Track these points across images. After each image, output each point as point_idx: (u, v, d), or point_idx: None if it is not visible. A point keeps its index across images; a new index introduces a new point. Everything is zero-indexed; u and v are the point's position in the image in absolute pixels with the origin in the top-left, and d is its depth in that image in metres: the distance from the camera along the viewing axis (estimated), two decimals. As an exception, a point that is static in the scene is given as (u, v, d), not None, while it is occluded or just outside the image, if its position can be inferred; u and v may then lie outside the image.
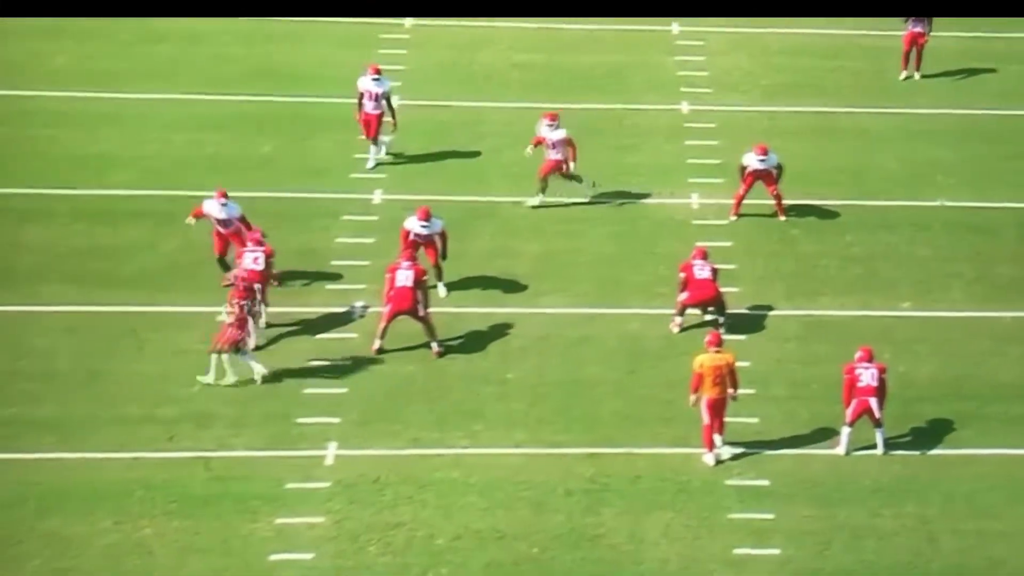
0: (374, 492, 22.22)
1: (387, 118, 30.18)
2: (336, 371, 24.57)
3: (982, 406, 24.38)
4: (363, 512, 21.87)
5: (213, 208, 26.06)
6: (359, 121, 30.14)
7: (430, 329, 25.18)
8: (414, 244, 25.97)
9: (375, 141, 30.19)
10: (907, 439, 23.54)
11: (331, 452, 22.95)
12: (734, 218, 28.90)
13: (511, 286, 27.04)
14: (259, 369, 24.21)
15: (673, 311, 25.99)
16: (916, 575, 21.10)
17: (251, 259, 25.14)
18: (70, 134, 31.23)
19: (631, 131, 32.32)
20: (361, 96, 30.04)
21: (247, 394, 23.98)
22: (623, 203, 29.49)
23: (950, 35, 35.86)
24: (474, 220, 28.77)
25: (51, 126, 31.48)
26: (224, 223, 26.12)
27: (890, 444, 23.11)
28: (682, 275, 25.98)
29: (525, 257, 27.90)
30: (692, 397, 22.77)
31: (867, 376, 23.11)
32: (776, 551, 21.42)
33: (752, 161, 28.68)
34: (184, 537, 21.22)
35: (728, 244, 28.24)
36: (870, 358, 23.24)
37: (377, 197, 29.37)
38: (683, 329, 25.91)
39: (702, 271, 25.91)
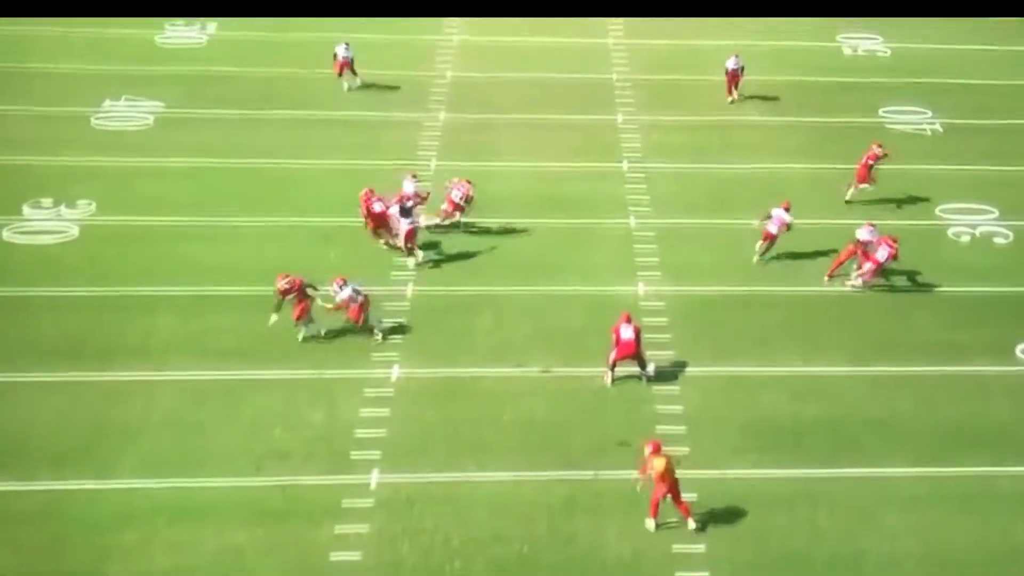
0: (406, 507, 22.58)
1: None
2: (377, 420, 24.82)
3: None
4: (397, 522, 22.24)
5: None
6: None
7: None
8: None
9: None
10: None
11: (374, 478, 23.23)
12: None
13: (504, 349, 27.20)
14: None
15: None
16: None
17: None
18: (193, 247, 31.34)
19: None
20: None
21: (315, 437, 24.36)
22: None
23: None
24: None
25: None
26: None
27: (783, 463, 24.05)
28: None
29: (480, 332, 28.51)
30: (640, 478, 22.32)
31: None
32: (702, 547, 22.21)
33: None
34: (268, 540, 21.68)
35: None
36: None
37: (409, 290, 29.83)
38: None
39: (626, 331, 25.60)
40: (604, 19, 47.25)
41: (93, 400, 25.31)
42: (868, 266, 29.72)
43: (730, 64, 40.12)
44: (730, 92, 40.18)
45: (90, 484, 22.88)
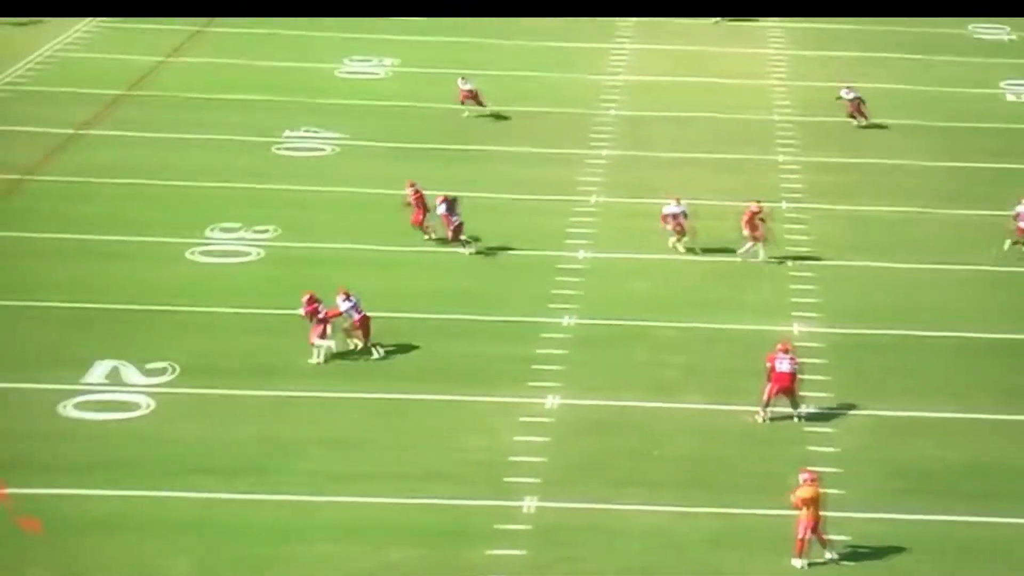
0: (558, 534, 22.15)
1: None
2: (532, 447, 24.57)
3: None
4: (550, 549, 21.79)
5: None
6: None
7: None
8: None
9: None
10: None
11: (528, 504, 22.90)
12: None
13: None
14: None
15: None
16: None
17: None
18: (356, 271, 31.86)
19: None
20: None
21: (470, 460, 24.22)
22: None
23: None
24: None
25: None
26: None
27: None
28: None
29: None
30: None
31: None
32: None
33: None
34: (423, 560, 21.46)
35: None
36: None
37: (566, 321, 29.63)
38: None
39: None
40: (767, 58, 46.71)
41: (264, 414, 25.60)
42: None
43: (846, 95, 39.92)
44: (855, 117, 39.89)
45: (254, 496, 23.07)
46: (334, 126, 39.80)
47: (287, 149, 38.18)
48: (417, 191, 32.65)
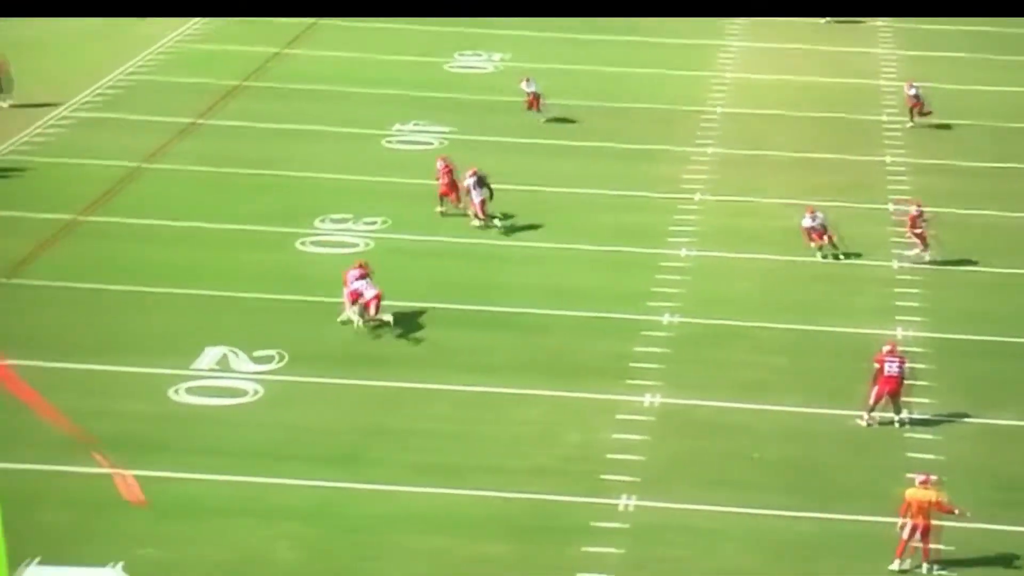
0: (654, 533, 21.90)
1: None
2: (629, 444, 24.31)
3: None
4: (645, 547, 21.53)
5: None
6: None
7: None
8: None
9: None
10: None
11: (624, 501, 22.68)
12: None
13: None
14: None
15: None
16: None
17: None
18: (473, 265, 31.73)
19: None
20: None
21: (568, 456, 24.02)
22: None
23: None
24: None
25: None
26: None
27: None
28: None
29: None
30: (900, 521, 20.97)
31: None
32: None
33: None
34: (519, 554, 21.36)
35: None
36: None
37: (665, 319, 29.13)
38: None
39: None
40: (878, 58, 45.80)
41: (369, 404, 25.64)
42: None
43: (909, 91, 38.82)
44: (912, 117, 38.88)
45: (356, 485, 23.12)
46: (442, 120, 39.77)
47: (397, 142, 38.26)
48: (447, 166, 32.98)
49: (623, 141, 38.75)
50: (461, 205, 33.01)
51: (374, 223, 33.20)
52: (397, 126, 39.29)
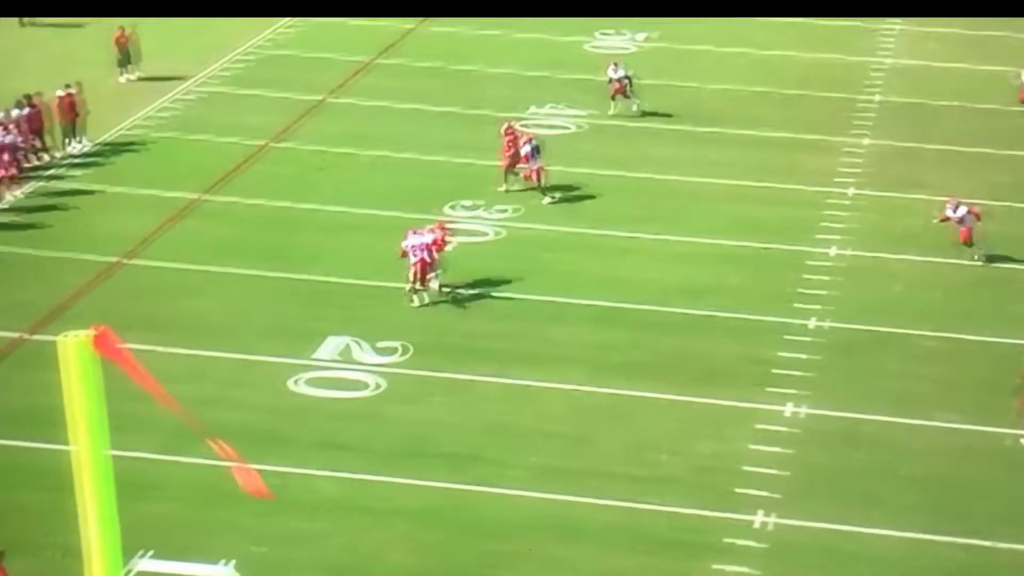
0: (788, 553, 21.60)
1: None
2: (766, 457, 24.06)
3: None
4: (778, 567, 21.26)
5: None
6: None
7: None
8: None
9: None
10: None
11: (758, 518, 22.42)
12: None
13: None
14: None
15: None
16: None
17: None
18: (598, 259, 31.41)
19: None
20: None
21: (700, 466, 23.84)
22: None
23: None
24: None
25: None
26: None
27: None
28: None
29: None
30: None
31: None
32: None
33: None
34: (647, 568, 21.21)
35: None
36: None
37: (812, 323, 28.71)
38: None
39: None
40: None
41: (490, 402, 25.75)
42: None
43: None
44: None
45: (477, 487, 23.24)
46: (580, 103, 39.71)
47: (532, 126, 38.31)
48: (511, 131, 33.49)
49: (772, 129, 38.29)
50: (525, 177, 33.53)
51: (505, 211, 33.31)
52: (532, 109, 39.34)
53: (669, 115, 39.03)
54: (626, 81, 38.42)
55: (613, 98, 38.67)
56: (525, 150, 33.29)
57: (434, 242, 28.63)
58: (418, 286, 28.65)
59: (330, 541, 21.86)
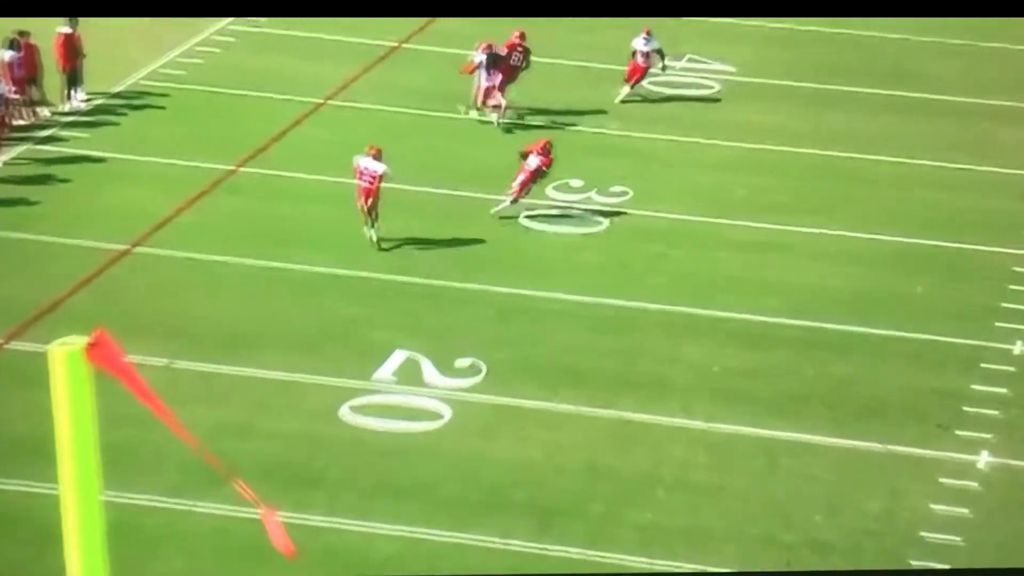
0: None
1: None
2: (952, 521, 23.77)
3: None
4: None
5: None
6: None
7: None
8: None
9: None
10: None
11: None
12: None
13: None
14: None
15: None
16: None
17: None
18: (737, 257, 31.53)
19: None
20: None
21: (865, 530, 23.57)
22: None
23: None
24: None
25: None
26: None
27: None
28: None
29: None
30: None
31: None
32: None
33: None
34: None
35: None
36: None
37: (1018, 348, 28.46)
38: None
39: None
40: None
41: (593, 439, 25.72)
42: None
43: None
44: None
45: (576, 550, 23.17)
46: (725, 56, 39.45)
47: (660, 84, 38.10)
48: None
49: (963, 94, 38.15)
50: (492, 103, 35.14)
51: (618, 193, 33.42)
52: (665, 60, 38.88)
53: (835, 71, 38.90)
54: (656, 56, 37.10)
55: (628, 80, 37.54)
56: (478, 58, 34.99)
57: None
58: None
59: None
